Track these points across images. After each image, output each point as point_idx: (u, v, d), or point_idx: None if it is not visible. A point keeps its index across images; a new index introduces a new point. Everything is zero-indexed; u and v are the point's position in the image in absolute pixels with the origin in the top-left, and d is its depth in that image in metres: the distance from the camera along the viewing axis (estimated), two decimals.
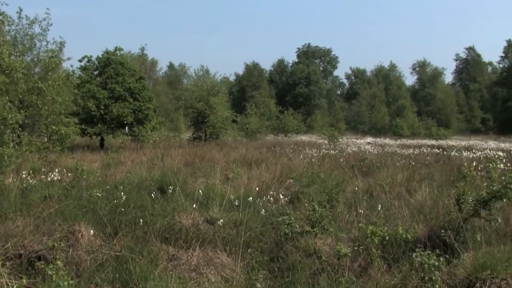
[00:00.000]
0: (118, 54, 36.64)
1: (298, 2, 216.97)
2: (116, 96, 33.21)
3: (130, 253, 8.31)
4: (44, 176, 15.32)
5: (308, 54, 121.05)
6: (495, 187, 9.09)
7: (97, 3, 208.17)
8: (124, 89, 33.61)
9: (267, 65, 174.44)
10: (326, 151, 27.37)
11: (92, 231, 9.25)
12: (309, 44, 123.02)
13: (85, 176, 14.92)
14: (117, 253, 8.52)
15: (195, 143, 34.88)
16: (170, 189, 12.81)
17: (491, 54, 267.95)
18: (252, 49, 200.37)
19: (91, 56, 35.73)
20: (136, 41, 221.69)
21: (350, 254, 8.13)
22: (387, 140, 47.40)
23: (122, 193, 12.24)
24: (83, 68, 35.18)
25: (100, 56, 35.59)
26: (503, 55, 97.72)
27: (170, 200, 11.90)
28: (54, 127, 18.91)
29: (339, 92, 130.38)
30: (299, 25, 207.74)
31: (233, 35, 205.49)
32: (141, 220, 10.12)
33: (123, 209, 10.99)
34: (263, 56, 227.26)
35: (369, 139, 51.06)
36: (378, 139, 51.32)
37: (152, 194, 12.43)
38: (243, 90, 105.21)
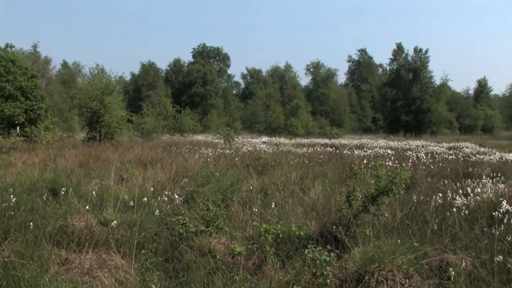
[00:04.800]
0: (9, 51, 35.35)
1: (194, 2, 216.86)
2: (6, 95, 32.04)
3: (19, 259, 8.06)
4: None
5: (203, 54, 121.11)
6: (382, 184, 9.49)
7: None
8: (15, 87, 32.47)
9: (163, 64, 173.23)
10: (221, 151, 27.43)
11: None
12: (204, 44, 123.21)
13: None
14: (5, 259, 8.23)
15: (90, 144, 34.06)
16: (63, 191, 12.49)
17: (382, 56, 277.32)
18: (148, 49, 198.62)
19: None
20: (28, 38, 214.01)
21: (244, 253, 8.25)
22: (282, 139, 47.96)
23: (12, 196, 11.82)
24: None
25: None
26: (392, 57, 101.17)
27: (62, 202, 11.64)
28: None
29: (235, 92, 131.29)
30: (195, 25, 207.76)
31: (129, 34, 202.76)
32: (31, 223, 9.84)
33: (12, 213, 10.63)
34: (159, 56, 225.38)
35: (265, 138, 51.48)
36: (274, 138, 51.81)
37: (44, 196, 12.11)
38: (139, 89, 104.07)
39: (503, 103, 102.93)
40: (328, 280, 6.91)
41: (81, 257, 8.59)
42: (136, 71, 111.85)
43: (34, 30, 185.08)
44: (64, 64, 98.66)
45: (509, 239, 8.64)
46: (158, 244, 9.47)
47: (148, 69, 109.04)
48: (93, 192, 12.43)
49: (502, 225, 9.49)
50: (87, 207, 10.74)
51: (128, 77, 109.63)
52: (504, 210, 9.92)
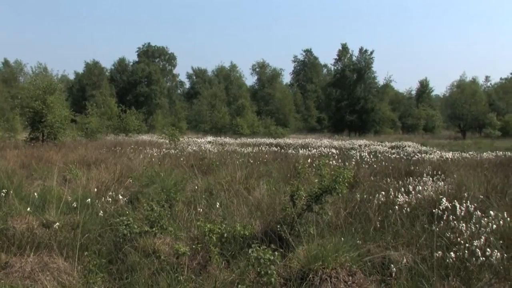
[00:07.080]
0: None
1: (139, 1, 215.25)
2: None
3: None
4: None
5: (148, 53, 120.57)
6: (325, 183, 9.59)
7: None
8: None
9: (108, 63, 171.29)
10: (167, 151, 27.27)
11: None
12: (149, 43, 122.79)
13: None
14: None
15: (32, 144, 33.40)
16: (3, 193, 12.18)
17: (326, 57, 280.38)
18: (93, 48, 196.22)
19: None
20: None
21: (189, 253, 8.23)
22: (228, 139, 47.97)
23: None
24: None
25: None
26: (337, 58, 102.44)
27: (2, 204, 11.32)
28: None
29: (180, 91, 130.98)
30: (141, 24, 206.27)
31: (73, 33, 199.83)
32: None
33: None
34: (104, 55, 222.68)
35: (210, 138, 51.35)
36: (219, 138, 51.85)
37: None
38: (83, 89, 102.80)
39: (444, 103, 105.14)
40: (273, 279, 6.96)
41: (22, 260, 8.40)
42: (81, 70, 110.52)
43: None
44: (5, 63, 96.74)
45: (448, 235, 8.88)
46: (101, 246, 9.32)
47: (93, 68, 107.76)
48: (35, 194, 12.15)
49: (442, 222, 9.70)
50: (29, 209, 10.51)
51: (72, 76, 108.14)
52: (444, 207, 10.13)
